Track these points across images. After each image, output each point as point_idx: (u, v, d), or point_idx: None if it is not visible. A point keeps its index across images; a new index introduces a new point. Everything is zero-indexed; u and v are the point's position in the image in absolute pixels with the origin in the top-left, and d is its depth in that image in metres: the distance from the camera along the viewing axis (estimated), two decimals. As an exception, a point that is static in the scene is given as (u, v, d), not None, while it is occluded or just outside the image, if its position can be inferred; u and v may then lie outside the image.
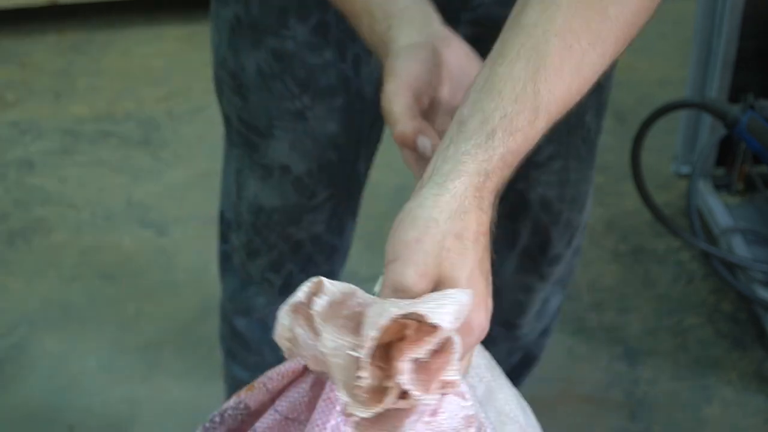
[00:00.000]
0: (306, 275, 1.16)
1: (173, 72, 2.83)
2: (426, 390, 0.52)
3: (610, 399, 1.69)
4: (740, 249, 1.88)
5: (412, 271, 0.55)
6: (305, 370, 0.64)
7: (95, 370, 1.79)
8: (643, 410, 1.67)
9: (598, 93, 1.04)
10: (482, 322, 0.57)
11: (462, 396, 0.57)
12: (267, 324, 1.22)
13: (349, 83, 0.98)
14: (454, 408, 0.57)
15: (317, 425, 0.58)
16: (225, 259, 1.22)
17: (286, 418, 0.64)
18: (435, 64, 0.73)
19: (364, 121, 1.03)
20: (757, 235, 1.93)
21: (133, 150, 2.48)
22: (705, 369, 1.75)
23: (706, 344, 1.81)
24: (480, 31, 0.89)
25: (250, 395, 0.67)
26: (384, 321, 0.51)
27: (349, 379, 0.52)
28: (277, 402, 0.65)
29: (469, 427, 0.57)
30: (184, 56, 2.90)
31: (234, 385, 1.35)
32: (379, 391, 0.52)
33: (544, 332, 1.31)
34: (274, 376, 0.66)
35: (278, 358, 1.36)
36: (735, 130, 1.72)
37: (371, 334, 0.51)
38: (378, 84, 1.00)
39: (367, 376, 0.51)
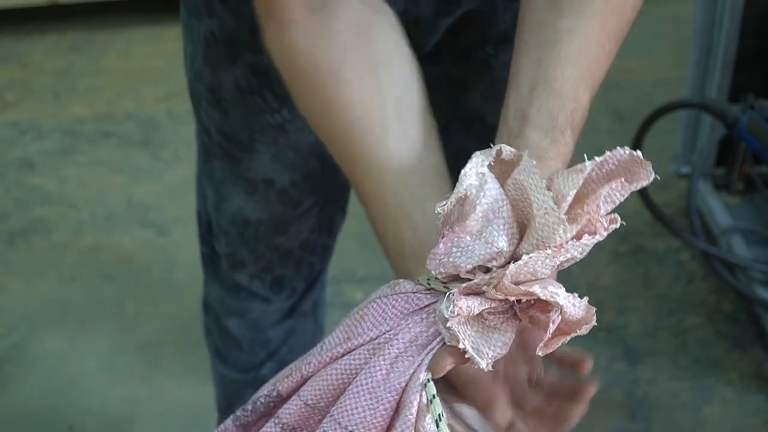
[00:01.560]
0: (299, 275, 1.16)
1: (173, 72, 2.83)
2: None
3: (610, 399, 1.69)
4: (740, 249, 1.88)
5: None
6: (344, 355, 0.64)
7: (95, 370, 1.79)
8: (643, 410, 1.67)
9: None
10: None
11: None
12: (260, 324, 1.22)
13: None
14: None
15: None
16: (207, 261, 1.21)
17: (306, 404, 0.65)
18: None
19: None
20: (757, 235, 1.93)
21: (133, 150, 2.48)
22: (705, 369, 1.75)
23: (706, 344, 1.81)
24: (456, 26, 0.95)
25: (285, 382, 0.67)
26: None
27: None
28: (302, 389, 0.66)
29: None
30: (184, 56, 2.90)
31: (224, 385, 1.34)
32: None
33: None
34: (313, 361, 0.66)
35: (270, 354, 1.35)
36: (735, 130, 1.72)
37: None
38: None
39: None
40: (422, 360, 0.60)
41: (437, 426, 0.59)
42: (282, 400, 0.69)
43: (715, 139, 2.01)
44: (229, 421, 0.71)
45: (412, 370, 0.60)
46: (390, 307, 0.63)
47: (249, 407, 0.70)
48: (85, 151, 2.47)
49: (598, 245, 0.56)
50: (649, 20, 2.98)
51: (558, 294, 0.55)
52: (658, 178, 0.56)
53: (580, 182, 0.55)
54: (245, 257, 1.11)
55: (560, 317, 0.56)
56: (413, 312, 0.62)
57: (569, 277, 1.87)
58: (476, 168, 0.57)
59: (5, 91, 2.77)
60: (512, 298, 0.57)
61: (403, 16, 0.93)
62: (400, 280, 0.64)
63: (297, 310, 1.22)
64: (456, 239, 0.57)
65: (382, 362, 0.61)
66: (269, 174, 1.02)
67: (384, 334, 0.62)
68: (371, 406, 0.60)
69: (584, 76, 0.67)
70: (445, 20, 0.94)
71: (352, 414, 0.61)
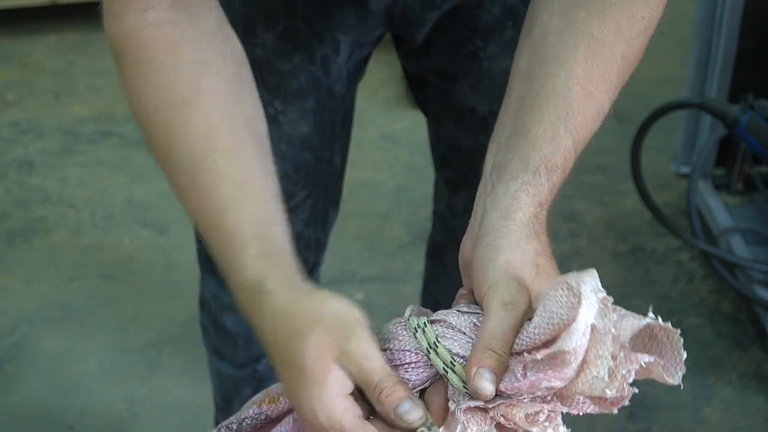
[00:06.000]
0: None
1: (173, 72, 2.83)
2: None
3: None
4: (740, 249, 1.88)
5: (516, 286, 0.60)
6: None
7: (95, 370, 1.79)
8: (643, 410, 1.67)
9: None
10: None
11: None
12: None
13: (320, 84, 0.99)
14: None
15: None
16: (203, 257, 1.21)
17: (296, 420, 0.65)
18: None
19: (336, 119, 1.04)
20: (757, 235, 1.93)
21: (133, 150, 2.48)
22: (705, 369, 1.75)
23: (706, 344, 1.81)
24: (444, 20, 0.96)
25: (272, 407, 0.68)
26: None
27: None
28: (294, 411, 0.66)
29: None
30: (184, 56, 2.90)
31: (221, 381, 1.34)
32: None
33: None
34: None
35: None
36: (735, 130, 1.72)
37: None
38: (348, 80, 1.01)
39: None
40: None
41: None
42: (270, 421, 0.69)
43: (715, 139, 2.01)
44: None
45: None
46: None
47: (234, 426, 0.70)
48: (85, 151, 2.47)
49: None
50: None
51: None
52: (681, 386, 0.58)
53: (641, 326, 0.59)
54: None
55: None
56: (401, 365, 0.63)
57: (569, 277, 1.87)
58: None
59: (5, 91, 2.77)
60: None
61: (390, 8, 0.94)
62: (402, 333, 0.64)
63: None
64: (538, 380, 0.58)
65: None
66: None
67: None
68: None
69: (564, 117, 0.66)
70: (432, 13, 0.95)
71: None
